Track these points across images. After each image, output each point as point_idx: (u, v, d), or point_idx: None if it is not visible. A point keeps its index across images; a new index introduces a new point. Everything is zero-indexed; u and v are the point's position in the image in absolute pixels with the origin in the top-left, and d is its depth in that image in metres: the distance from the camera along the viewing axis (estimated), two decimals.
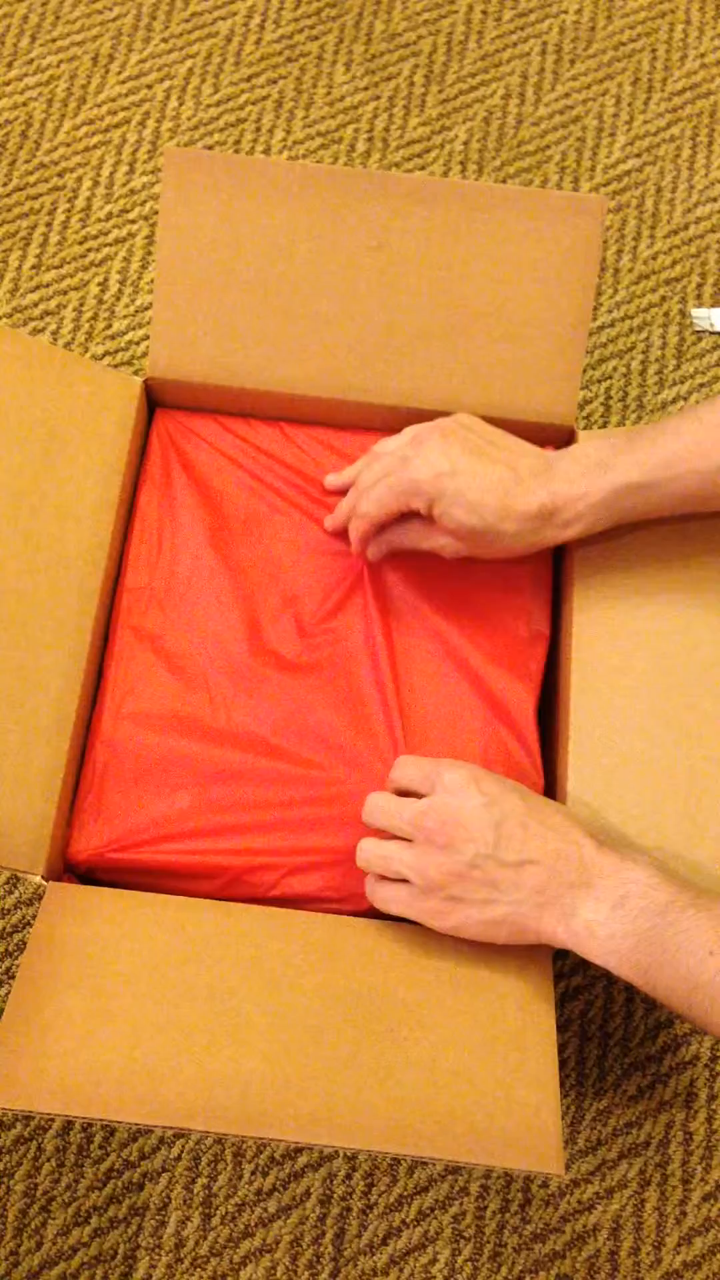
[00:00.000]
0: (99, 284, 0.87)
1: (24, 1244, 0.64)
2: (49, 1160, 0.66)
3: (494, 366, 0.58)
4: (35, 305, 0.86)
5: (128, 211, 0.89)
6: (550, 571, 0.59)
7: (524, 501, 0.51)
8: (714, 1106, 0.68)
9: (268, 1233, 0.65)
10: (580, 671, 0.54)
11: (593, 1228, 0.66)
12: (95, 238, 0.88)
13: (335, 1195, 0.66)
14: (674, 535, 0.55)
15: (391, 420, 0.59)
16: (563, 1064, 0.68)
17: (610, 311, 0.87)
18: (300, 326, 0.58)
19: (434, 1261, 0.65)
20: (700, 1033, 0.69)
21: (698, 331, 0.87)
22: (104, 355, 0.85)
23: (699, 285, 0.88)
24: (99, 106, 0.92)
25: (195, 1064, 0.44)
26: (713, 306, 0.88)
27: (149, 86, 0.93)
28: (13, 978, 0.69)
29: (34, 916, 0.63)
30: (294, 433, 0.61)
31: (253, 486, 0.60)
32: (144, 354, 0.85)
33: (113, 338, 0.85)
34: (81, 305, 0.86)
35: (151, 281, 0.86)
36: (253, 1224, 0.65)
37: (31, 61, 0.93)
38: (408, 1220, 0.65)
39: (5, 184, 0.89)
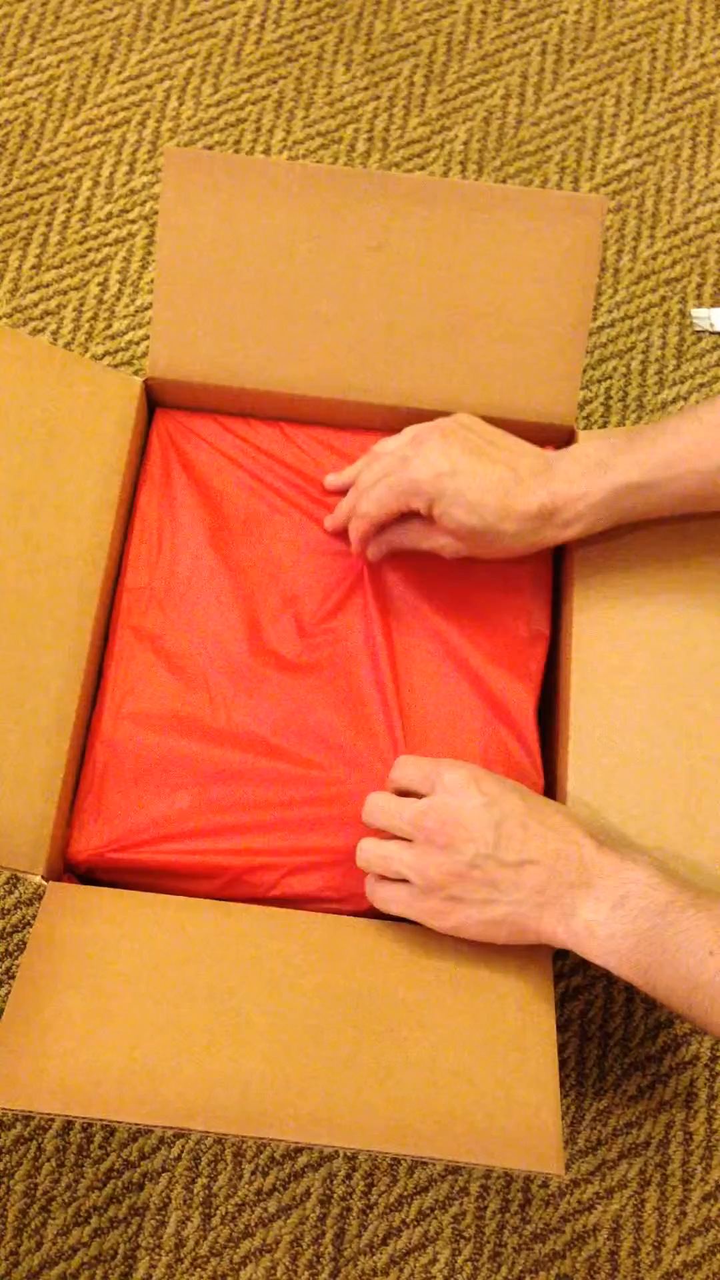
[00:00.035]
0: (99, 284, 0.87)
1: (24, 1244, 0.64)
2: (49, 1160, 0.66)
3: (494, 366, 0.58)
4: (35, 305, 0.86)
5: (128, 211, 0.89)
6: (550, 571, 0.59)
7: (524, 501, 0.51)
8: (714, 1106, 0.68)
9: (268, 1233, 0.65)
10: (580, 671, 0.54)
11: (593, 1228, 0.66)
12: (95, 238, 0.88)
13: (335, 1195, 0.66)
14: (674, 535, 0.55)
15: (391, 420, 0.59)
16: (563, 1064, 0.68)
17: (610, 311, 0.87)
18: (300, 326, 0.58)
19: (434, 1261, 0.65)
20: (700, 1033, 0.69)
21: (698, 331, 0.87)
22: (104, 355, 0.85)
23: (699, 285, 0.88)
24: (99, 106, 0.92)
25: (195, 1064, 0.44)
26: (713, 306, 0.88)
27: (149, 86, 0.93)
28: (13, 978, 0.69)
29: (34, 916, 0.63)
30: (294, 433, 0.61)
31: (253, 486, 0.60)
32: (144, 354, 0.85)
33: (113, 338, 0.85)
34: (81, 305, 0.86)
35: (151, 281, 0.86)
36: (253, 1224, 0.65)
37: (31, 61, 0.93)
38: (408, 1220, 0.65)
39: (5, 184, 0.89)
